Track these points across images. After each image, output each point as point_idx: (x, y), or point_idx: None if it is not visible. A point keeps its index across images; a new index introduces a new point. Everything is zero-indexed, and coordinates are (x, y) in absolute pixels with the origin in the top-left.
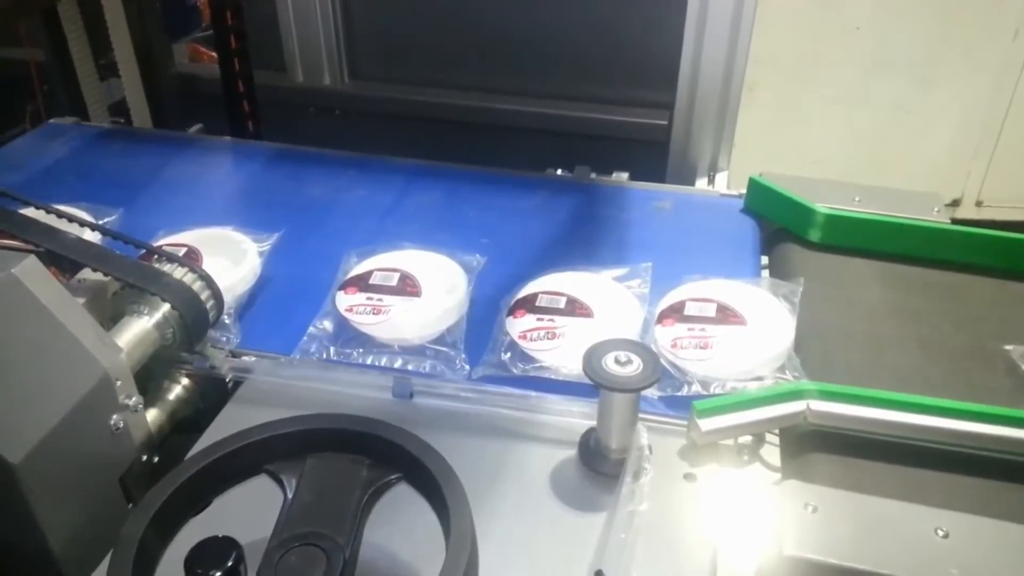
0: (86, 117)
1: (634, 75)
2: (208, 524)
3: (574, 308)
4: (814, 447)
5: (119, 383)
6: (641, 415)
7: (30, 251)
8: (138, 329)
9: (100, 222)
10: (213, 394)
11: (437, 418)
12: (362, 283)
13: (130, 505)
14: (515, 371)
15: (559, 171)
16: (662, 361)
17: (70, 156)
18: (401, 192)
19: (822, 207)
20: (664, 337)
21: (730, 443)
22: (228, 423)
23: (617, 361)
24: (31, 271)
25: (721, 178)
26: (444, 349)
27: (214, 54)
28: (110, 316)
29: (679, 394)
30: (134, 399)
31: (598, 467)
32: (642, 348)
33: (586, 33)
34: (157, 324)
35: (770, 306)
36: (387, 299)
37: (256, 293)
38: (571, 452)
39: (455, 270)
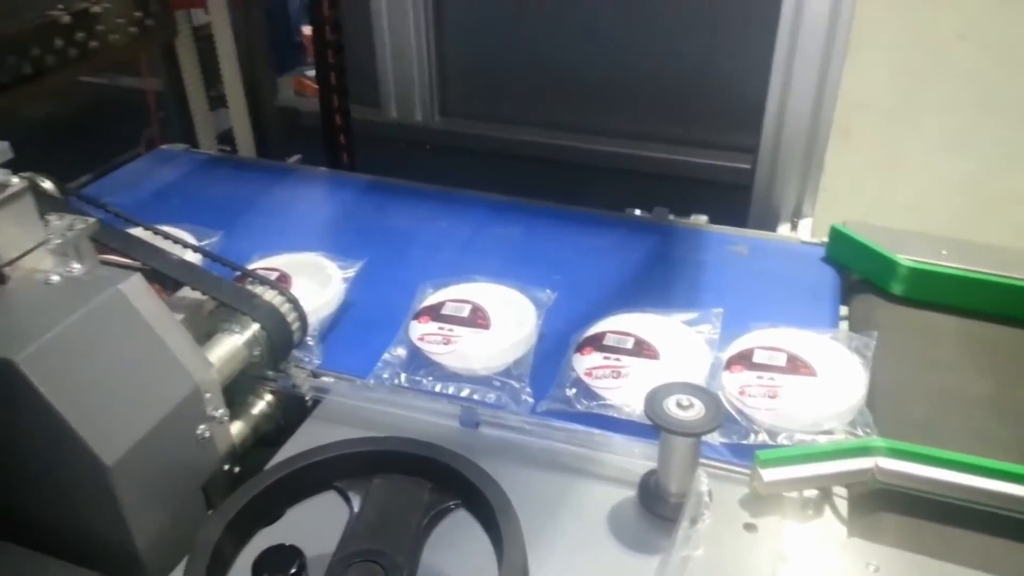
0: (196, 144)
1: (718, 117)
2: (278, 534)
3: (641, 349)
4: (882, 506)
5: (208, 396)
6: (703, 461)
7: (136, 269)
8: (229, 346)
9: (201, 243)
10: (293, 411)
11: (500, 448)
12: (434, 313)
13: (209, 512)
14: (579, 407)
15: (637, 211)
16: (729, 408)
17: (178, 180)
18: (480, 225)
19: (906, 259)
20: (732, 384)
21: (794, 496)
22: (304, 439)
23: (679, 404)
24: (136, 288)
25: (804, 225)
26: (510, 381)
27: (316, 86)
28: (204, 332)
29: (745, 442)
30: (221, 411)
31: (656, 509)
32: (705, 393)
33: (671, 75)
34: (247, 342)
35: (842, 358)
36: (458, 330)
37: (339, 317)
38: (630, 492)
39: (525, 304)
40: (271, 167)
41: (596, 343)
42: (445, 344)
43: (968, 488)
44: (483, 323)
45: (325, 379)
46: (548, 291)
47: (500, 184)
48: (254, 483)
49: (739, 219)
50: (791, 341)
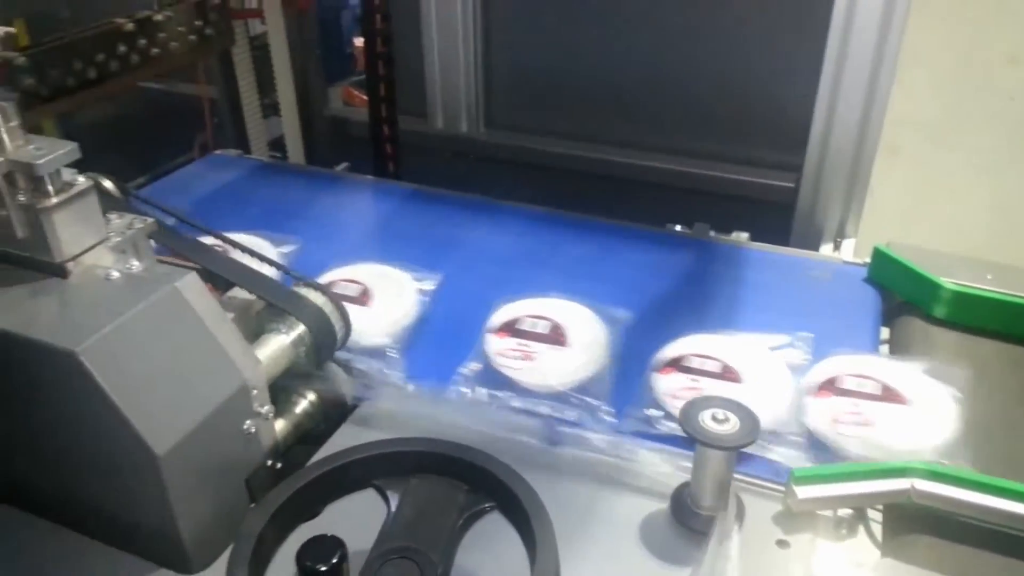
0: (248, 150)
1: (763, 135)
2: (318, 529)
3: (724, 373)
4: (917, 527)
5: (255, 392)
6: (739, 476)
7: (191, 268)
8: (276, 345)
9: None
10: (335, 411)
11: (534, 455)
12: (510, 328)
13: (252, 505)
14: (662, 429)
15: (678, 227)
16: (823, 438)
17: (231, 185)
18: (521, 237)
19: (949, 283)
20: (821, 411)
21: (828, 514)
22: (344, 439)
23: (715, 418)
24: (191, 286)
25: (848, 245)
26: (587, 399)
27: (365, 97)
28: (253, 331)
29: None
30: (266, 408)
31: (689, 522)
32: (741, 408)
33: (716, 91)
34: (292, 342)
35: (930, 389)
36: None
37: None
38: (663, 504)
39: (597, 322)
40: (320, 174)
41: (678, 365)
42: (524, 359)
43: (1005, 513)
44: (562, 340)
45: (365, 382)
46: (622, 311)
47: (542, 196)
48: (297, 478)
49: (781, 237)
50: (877, 369)
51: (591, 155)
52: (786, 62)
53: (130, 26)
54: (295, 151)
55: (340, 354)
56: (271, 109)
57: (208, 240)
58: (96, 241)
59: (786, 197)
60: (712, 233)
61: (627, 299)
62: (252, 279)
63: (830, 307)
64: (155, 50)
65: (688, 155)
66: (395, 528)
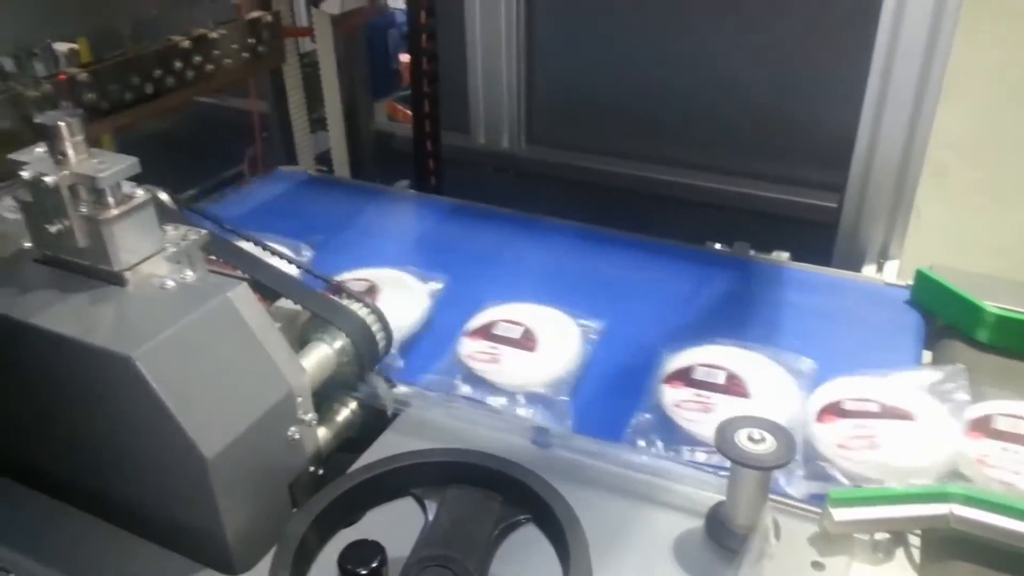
0: (295, 163)
1: (805, 154)
2: (357, 535)
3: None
4: (955, 553)
5: (300, 400)
6: (775, 497)
7: (242, 279)
8: (320, 355)
9: (299, 257)
10: (375, 420)
11: (570, 469)
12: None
13: (294, 509)
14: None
15: (717, 245)
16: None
17: (287, 198)
18: (556, 251)
19: (993, 306)
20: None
21: (865, 537)
22: (384, 447)
23: (751, 438)
24: (242, 296)
25: (891, 266)
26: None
27: (409, 112)
28: (298, 340)
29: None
30: (310, 415)
31: (724, 541)
32: (778, 429)
33: (758, 109)
34: (336, 352)
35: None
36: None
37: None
38: (697, 522)
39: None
40: (367, 188)
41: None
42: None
43: None
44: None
45: (406, 391)
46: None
47: (581, 212)
48: (339, 484)
49: (821, 257)
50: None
51: (631, 172)
52: (829, 81)
53: (186, 43)
54: (341, 165)
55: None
56: (318, 124)
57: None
58: (153, 251)
59: (828, 217)
60: (752, 252)
61: (657, 315)
62: (298, 290)
63: (871, 329)
64: (209, 66)
65: (729, 173)
66: (432, 536)
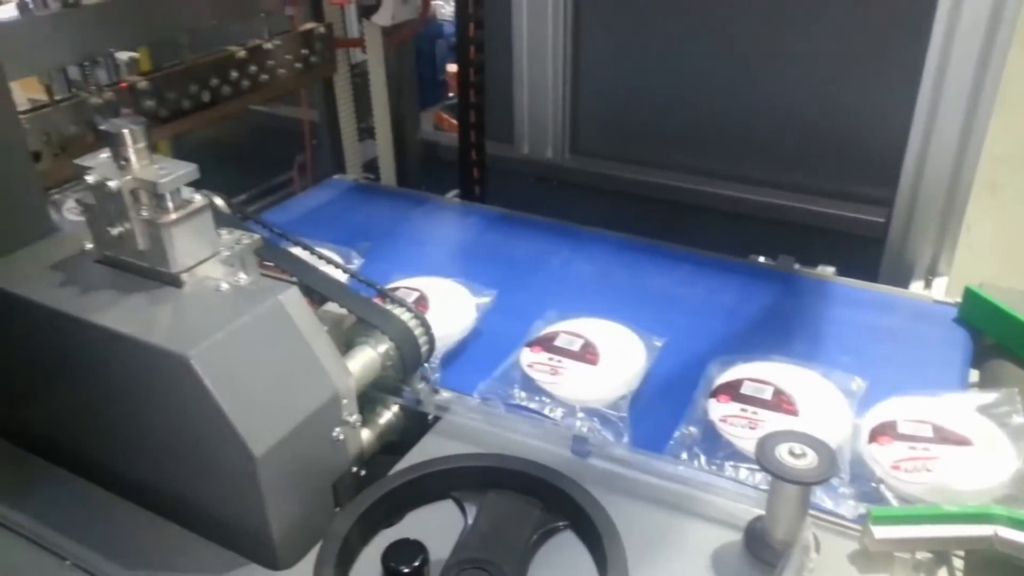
0: (343, 170)
1: (852, 167)
2: (397, 535)
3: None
4: (999, 575)
5: (345, 402)
6: (815, 513)
7: (293, 283)
8: (365, 358)
9: (348, 264)
10: (416, 424)
11: (607, 478)
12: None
13: (336, 509)
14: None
15: (761, 258)
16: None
17: (338, 205)
18: (601, 262)
19: None
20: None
21: (906, 556)
22: (425, 451)
23: (792, 452)
24: (293, 300)
25: (940, 283)
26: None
27: (453, 121)
28: (344, 344)
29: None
30: (355, 417)
31: (762, 555)
32: (819, 444)
33: (805, 122)
34: (380, 356)
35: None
36: (565, 361)
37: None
38: (735, 536)
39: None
40: (412, 196)
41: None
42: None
43: None
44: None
45: (447, 396)
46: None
47: (624, 223)
48: (381, 484)
49: (867, 272)
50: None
51: (675, 183)
52: (879, 93)
53: (242, 53)
54: (387, 173)
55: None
56: (365, 132)
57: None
58: (209, 255)
59: (875, 232)
60: (797, 266)
61: (703, 327)
62: (345, 295)
63: (919, 347)
64: (264, 76)
65: (774, 186)
66: (471, 539)
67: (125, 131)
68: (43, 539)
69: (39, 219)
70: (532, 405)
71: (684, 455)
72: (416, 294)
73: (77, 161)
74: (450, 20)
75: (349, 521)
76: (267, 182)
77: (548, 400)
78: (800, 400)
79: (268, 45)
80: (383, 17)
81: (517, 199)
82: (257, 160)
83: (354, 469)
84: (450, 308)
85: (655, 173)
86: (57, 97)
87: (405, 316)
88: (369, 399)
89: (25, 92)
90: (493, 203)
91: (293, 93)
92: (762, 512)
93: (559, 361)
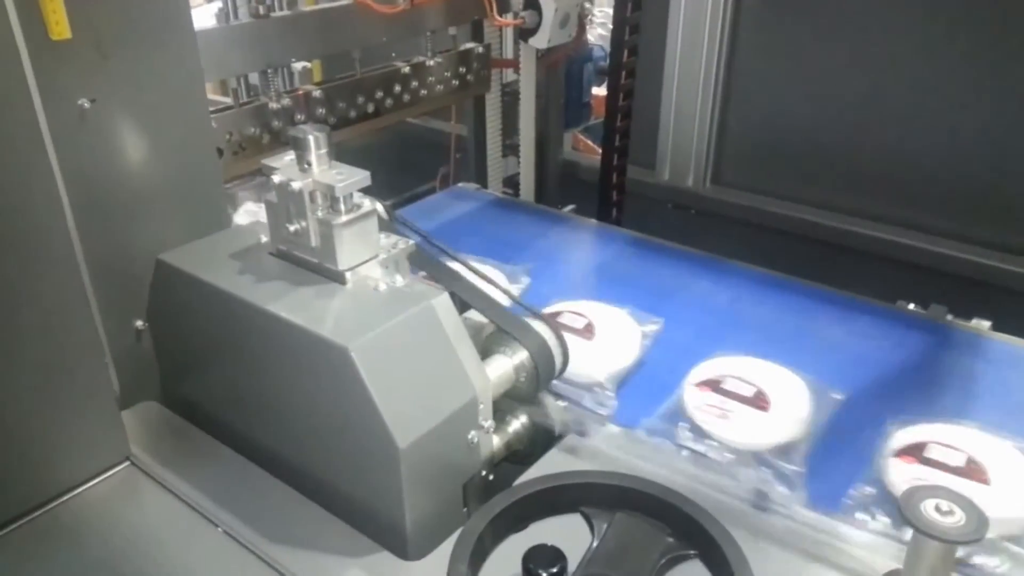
0: (485, 184)
1: (1017, 218)
2: (524, 543)
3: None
4: None
5: (482, 407)
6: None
7: (442, 288)
8: (501, 367)
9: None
10: (542, 437)
11: (737, 515)
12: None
13: (464, 509)
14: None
15: (911, 305)
16: None
17: (468, 215)
18: (740, 296)
19: None
20: None
21: None
22: (550, 464)
23: (939, 509)
24: (443, 304)
25: None
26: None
27: (590, 143)
28: (481, 351)
29: None
30: (489, 422)
31: None
32: (969, 504)
33: (965, 167)
34: (515, 367)
35: None
36: (734, 405)
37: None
38: None
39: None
40: (547, 213)
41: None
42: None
43: None
44: (763, 404)
45: (575, 414)
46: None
47: (763, 257)
48: (516, 490)
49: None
50: None
51: (819, 220)
52: None
53: (406, 69)
54: (527, 189)
55: None
56: (510, 149)
57: (453, 264)
58: (370, 256)
59: None
60: (949, 317)
61: (848, 373)
62: (487, 304)
63: None
64: (423, 91)
65: (928, 231)
66: (598, 556)
67: (311, 137)
68: (199, 506)
69: (218, 212)
70: (699, 448)
71: (863, 516)
72: (584, 320)
73: (265, 162)
74: (600, 44)
75: (484, 520)
76: (411, 190)
77: (716, 443)
78: (993, 470)
79: (430, 62)
80: (540, 40)
81: (652, 225)
82: (403, 168)
83: (483, 473)
84: (617, 338)
85: (798, 208)
86: (241, 101)
87: (542, 330)
88: (500, 407)
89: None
90: (628, 227)
91: (444, 107)
92: (898, 566)
93: (726, 404)
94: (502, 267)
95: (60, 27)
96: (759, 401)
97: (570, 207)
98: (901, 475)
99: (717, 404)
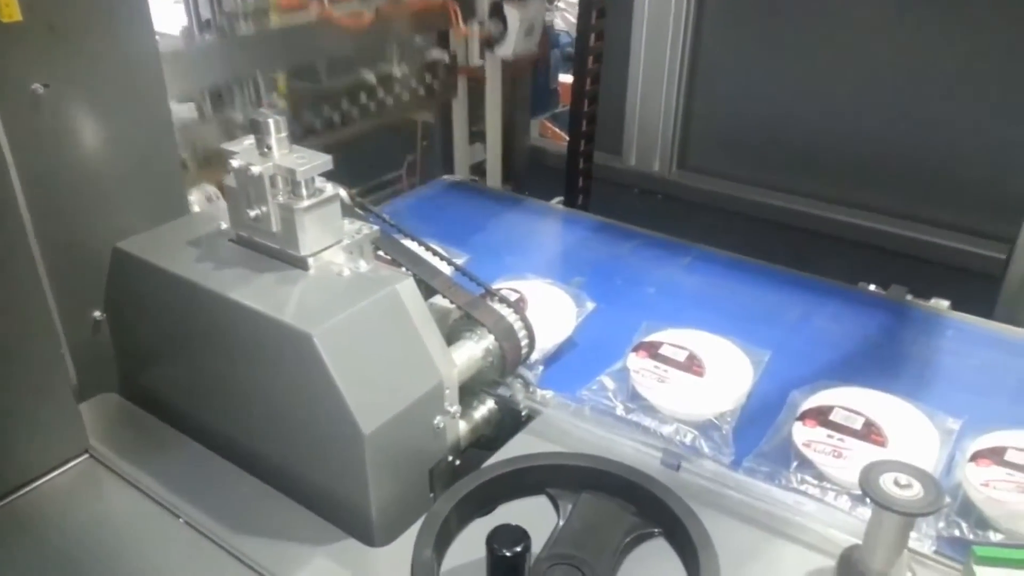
0: (451, 171)
1: (975, 201)
2: (490, 525)
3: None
4: None
5: (448, 392)
6: (912, 549)
7: (407, 274)
8: (467, 352)
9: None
10: (509, 421)
11: (698, 491)
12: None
13: (430, 495)
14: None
15: (872, 286)
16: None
17: (452, 206)
18: (703, 278)
19: None
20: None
21: None
22: (517, 448)
23: (897, 483)
24: (408, 289)
25: None
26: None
27: (557, 130)
28: (447, 336)
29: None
30: (455, 408)
31: None
32: (927, 477)
33: (926, 151)
34: (483, 352)
35: None
36: (671, 372)
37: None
38: (828, 562)
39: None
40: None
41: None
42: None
43: None
44: (698, 370)
45: (543, 396)
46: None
47: (727, 240)
48: (482, 473)
49: (983, 309)
50: None
51: (782, 204)
52: (1009, 128)
53: (372, 79)
54: (494, 177)
55: None
56: (477, 136)
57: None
58: (333, 241)
59: (994, 268)
60: (909, 297)
61: (810, 353)
62: (453, 290)
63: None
64: (389, 100)
65: (888, 213)
66: (564, 536)
67: (270, 120)
68: (160, 497)
69: (177, 199)
70: (633, 416)
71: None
72: (517, 295)
73: (224, 145)
74: (567, 31)
75: (450, 503)
76: (376, 178)
77: (653, 410)
78: (891, 432)
79: (396, 72)
80: (505, 50)
81: (619, 210)
82: (368, 156)
83: (450, 458)
84: (551, 312)
85: (763, 193)
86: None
87: (508, 315)
88: (467, 392)
89: None
90: (595, 212)
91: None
92: (857, 541)
93: (665, 370)
94: (566, 288)
95: (10, 8)
96: (694, 367)
97: (557, 199)
98: (802, 437)
99: (652, 369)
